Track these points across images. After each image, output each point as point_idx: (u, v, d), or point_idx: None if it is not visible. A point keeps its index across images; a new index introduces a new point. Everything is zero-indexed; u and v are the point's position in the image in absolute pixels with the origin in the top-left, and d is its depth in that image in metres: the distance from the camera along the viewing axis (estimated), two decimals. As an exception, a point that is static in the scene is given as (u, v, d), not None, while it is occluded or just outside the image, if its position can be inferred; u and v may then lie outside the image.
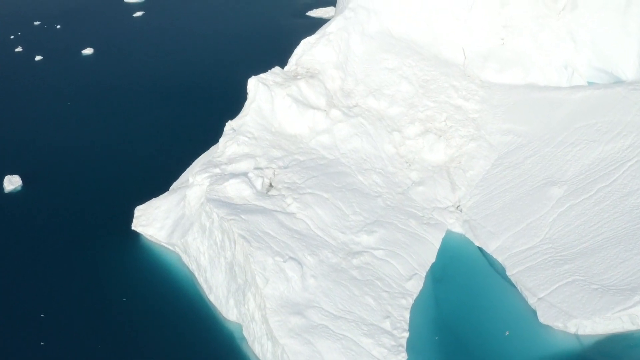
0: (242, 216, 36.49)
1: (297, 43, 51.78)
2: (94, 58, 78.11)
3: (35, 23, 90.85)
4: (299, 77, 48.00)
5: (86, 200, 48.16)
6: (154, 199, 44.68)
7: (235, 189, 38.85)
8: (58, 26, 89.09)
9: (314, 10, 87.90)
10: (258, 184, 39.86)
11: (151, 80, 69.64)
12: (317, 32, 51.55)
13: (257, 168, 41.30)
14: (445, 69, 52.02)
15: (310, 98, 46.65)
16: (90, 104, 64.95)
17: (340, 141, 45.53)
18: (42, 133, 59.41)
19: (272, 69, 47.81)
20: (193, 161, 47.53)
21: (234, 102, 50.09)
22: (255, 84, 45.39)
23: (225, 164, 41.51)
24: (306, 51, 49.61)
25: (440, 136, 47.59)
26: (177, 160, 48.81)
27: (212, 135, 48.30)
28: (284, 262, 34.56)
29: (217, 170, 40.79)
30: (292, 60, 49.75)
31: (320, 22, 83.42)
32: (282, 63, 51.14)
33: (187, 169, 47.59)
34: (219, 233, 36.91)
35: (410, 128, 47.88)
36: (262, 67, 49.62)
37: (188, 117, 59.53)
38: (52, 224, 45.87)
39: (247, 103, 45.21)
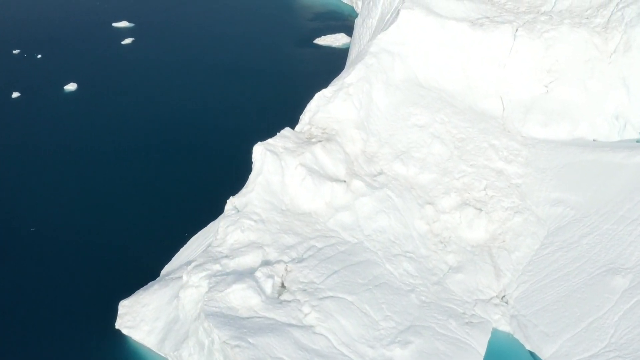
0: (250, 339, 29.27)
1: (306, 82, 44.59)
2: (77, 96, 70.40)
3: (14, 52, 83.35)
4: (313, 139, 40.64)
5: (60, 287, 41.24)
6: (141, 290, 37.91)
7: (239, 298, 31.57)
8: (39, 55, 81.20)
9: (323, 37, 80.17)
10: (268, 286, 32.54)
11: (140, 132, 61.70)
12: (333, 83, 43.93)
13: (265, 263, 34.03)
14: (482, 125, 44.70)
15: (327, 167, 39.36)
16: (69, 158, 57.28)
17: (363, 219, 38.34)
18: (11, 197, 52.07)
19: (282, 131, 40.24)
20: (187, 241, 40.56)
21: (236, 162, 43.33)
22: (262, 153, 38.00)
23: (227, 256, 34.28)
24: (321, 107, 42.10)
25: (481, 210, 40.36)
26: (169, 238, 42.16)
27: (209, 207, 41.46)
28: (303, 400, 27.43)
29: (217, 267, 33.55)
30: (305, 118, 42.09)
31: (329, 51, 76.54)
32: (292, 112, 43.93)
33: (181, 250, 40.94)
34: (221, 356, 29.74)
35: (445, 200, 40.75)
36: (267, 114, 42.21)
37: (182, 184, 51.50)
38: (16, 319, 38.86)
39: (252, 176, 37.84)
